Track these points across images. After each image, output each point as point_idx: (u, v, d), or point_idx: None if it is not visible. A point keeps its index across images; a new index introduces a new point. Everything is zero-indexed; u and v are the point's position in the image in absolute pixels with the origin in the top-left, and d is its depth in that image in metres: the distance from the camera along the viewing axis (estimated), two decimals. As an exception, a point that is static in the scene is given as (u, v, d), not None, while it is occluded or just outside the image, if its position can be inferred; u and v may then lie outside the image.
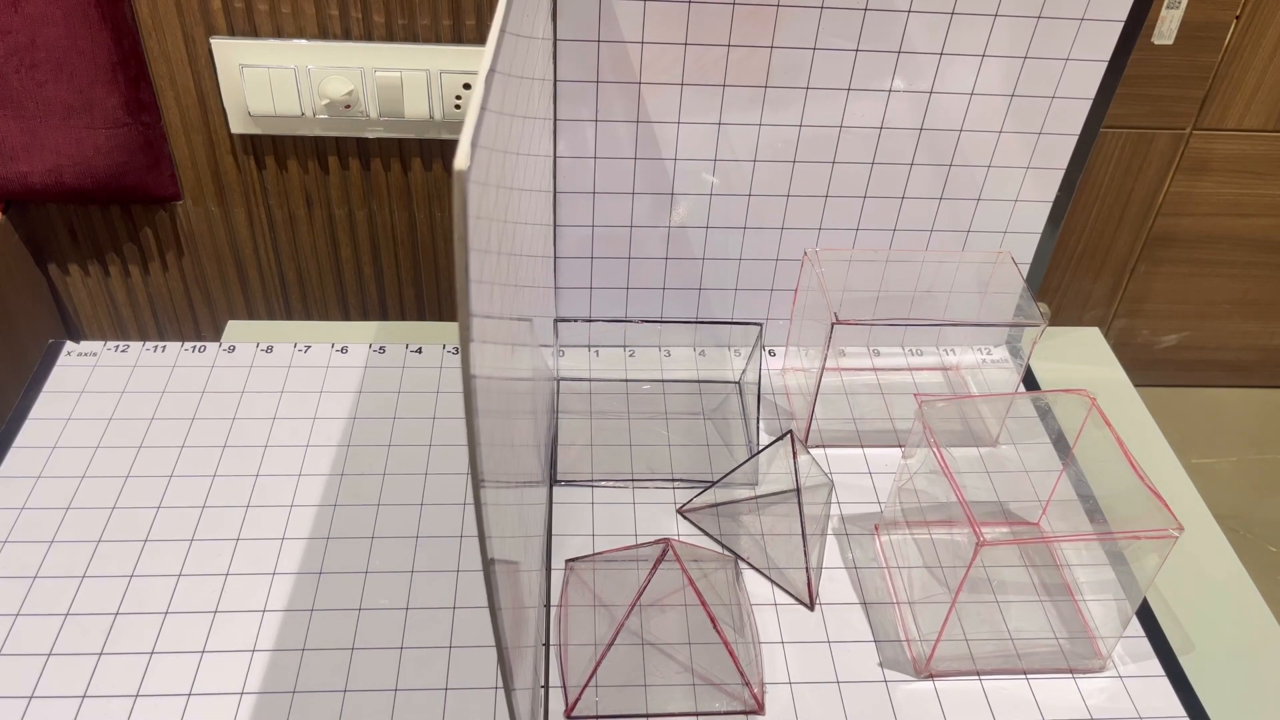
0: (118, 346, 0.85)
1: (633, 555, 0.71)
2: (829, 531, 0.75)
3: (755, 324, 0.87)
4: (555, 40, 0.73)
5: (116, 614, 0.66)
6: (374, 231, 1.02)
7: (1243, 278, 1.14)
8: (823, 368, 0.79)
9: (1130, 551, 0.65)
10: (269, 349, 0.87)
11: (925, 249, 0.86)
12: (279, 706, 0.61)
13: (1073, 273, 1.12)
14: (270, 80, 0.89)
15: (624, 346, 0.90)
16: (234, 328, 0.92)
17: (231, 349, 0.86)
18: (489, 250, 0.40)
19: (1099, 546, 0.71)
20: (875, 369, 0.90)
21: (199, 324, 1.09)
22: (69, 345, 0.85)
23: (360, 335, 0.90)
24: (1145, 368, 1.22)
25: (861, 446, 0.82)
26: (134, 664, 0.63)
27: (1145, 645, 0.69)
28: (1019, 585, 0.72)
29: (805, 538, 0.71)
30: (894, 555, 0.72)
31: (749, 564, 0.72)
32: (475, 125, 0.35)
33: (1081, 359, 0.95)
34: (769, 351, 0.91)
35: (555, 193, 0.81)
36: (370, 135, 0.94)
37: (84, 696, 0.61)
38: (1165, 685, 0.66)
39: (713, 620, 0.63)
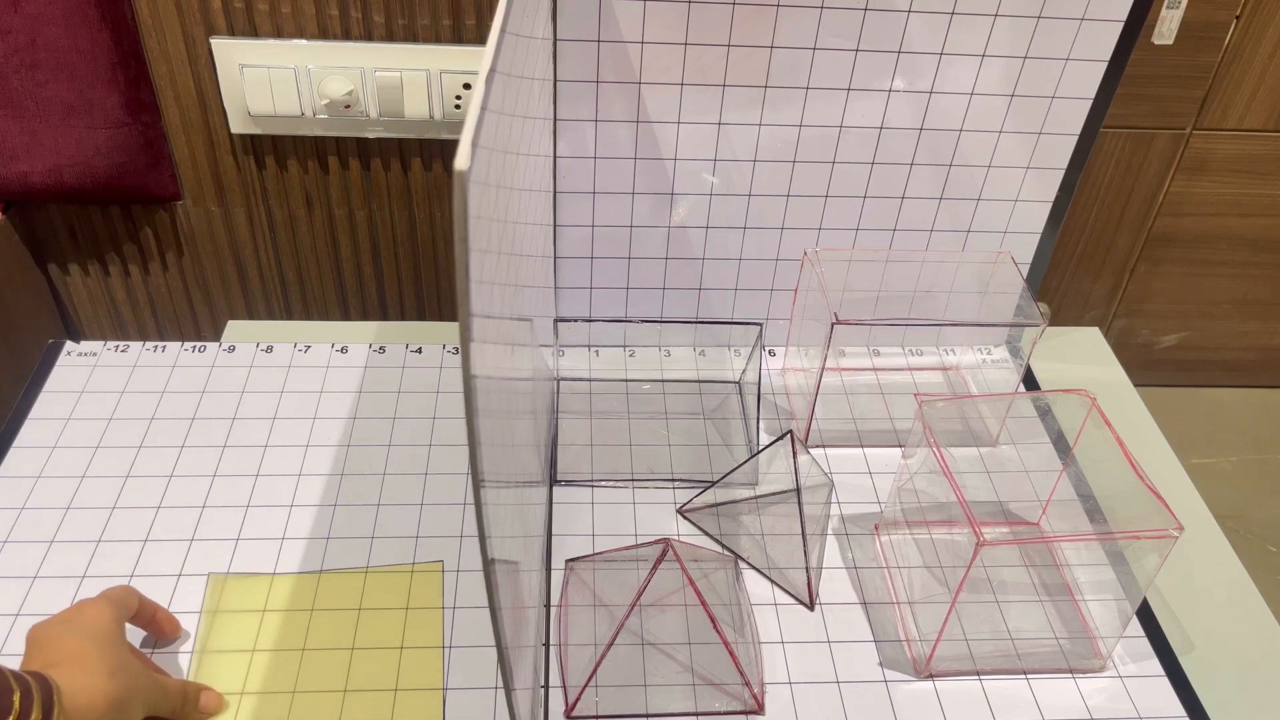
0: (118, 346, 0.85)
1: (633, 555, 0.71)
2: (829, 531, 0.75)
3: (755, 324, 0.87)
4: (555, 40, 0.73)
5: (116, 614, 0.65)
6: (374, 231, 1.02)
7: (1243, 278, 1.14)
8: (823, 368, 0.78)
9: (1130, 551, 0.65)
10: (269, 349, 0.87)
11: (925, 249, 0.86)
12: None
13: (1073, 273, 1.12)
14: (270, 80, 0.89)
15: (624, 346, 0.90)
16: (234, 328, 0.92)
17: (231, 349, 0.86)
18: (489, 250, 0.40)
19: (1099, 546, 0.71)
20: (875, 369, 0.90)
21: (199, 324, 1.09)
22: (69, 345, 0.85)
23: (360, 335, 0.90)
24: (1145, 368, 1.22)
25: (861, 446, 0.82)
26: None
27: (1145, 645, 0.69)
28: (1019, 585, 0.72)
29: (805, 538, 0.71)
30: (894, 555, 0.72)
31: (749, 564, 0.72)
32: (475, 125, 0.35)
33: (1081, 359, 0.95)
34: (769, 351, 0.91)
35: (555, 193, 0.81)
36: (370, 135, 0.94)
37: (84, 696, 0.61)
38: (1165, 685, 0.66)
39: (713, 620, 0.63)
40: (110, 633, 0.54)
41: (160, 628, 0.62)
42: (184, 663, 0.63)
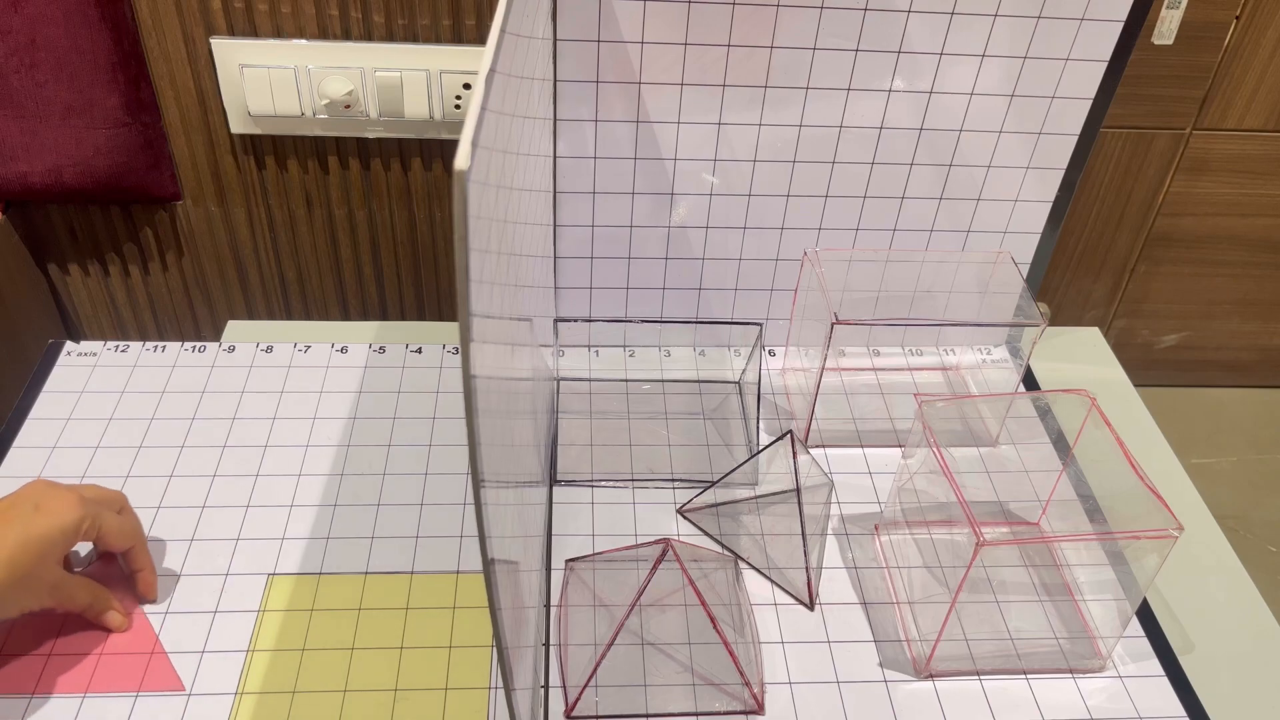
0: (118, 346, 0.85)
1: (633, 555, 0.71)
2: (829, 531, 0.75)
3: (755, 324, 0.87)
4: (555, 40, 0.73)
5: (116, 614, 0.66)
6: (374, 231, 1.02)
7: (1243, 278, 1.14)
8: (823, 368, 0.78)
9: (1130, 551, 0.65)
10: (269, 349, 0.87)
11: (925, 249, 0.86)
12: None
13: (1073, 273, 1.12)
14: (270, 80, 0.89)
15: (624, 346, 0.90)
16: (234, 328, 0.92)
17: (231, 349, 0.86)
18: (489, 250, 0.40)
19: (1099, 546, 0.71)
20: (875, 369, 0.90)
21: (199, 324, 1.09)
22: (69, 345, 0.85)
23: (360, 335, 0.90)
24: (1145, 368, 1.22)
25: (861, 446, 0.82)
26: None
27: (1145, 645, 0.69)
28: (1019, 585, 0.72)
29: (805, 538, 0.71)
30: (894, 555, 0.72)
31: (749, 564, 0.72)
32: (475, 125, 0.35)
33: (1081, 359, 0.95)
34: (769, 351, 0.91)
35: (555, 193, 0.81)
36: (370, 135, 0.94)
37: (84, 696, 0.61)
38: (1165, 685, 0.66)
39: (713, 620, 0.63)
40: (44, 543, 0.58)
41: (136, 581, 0.66)
42: (238, 662, 0.63)
